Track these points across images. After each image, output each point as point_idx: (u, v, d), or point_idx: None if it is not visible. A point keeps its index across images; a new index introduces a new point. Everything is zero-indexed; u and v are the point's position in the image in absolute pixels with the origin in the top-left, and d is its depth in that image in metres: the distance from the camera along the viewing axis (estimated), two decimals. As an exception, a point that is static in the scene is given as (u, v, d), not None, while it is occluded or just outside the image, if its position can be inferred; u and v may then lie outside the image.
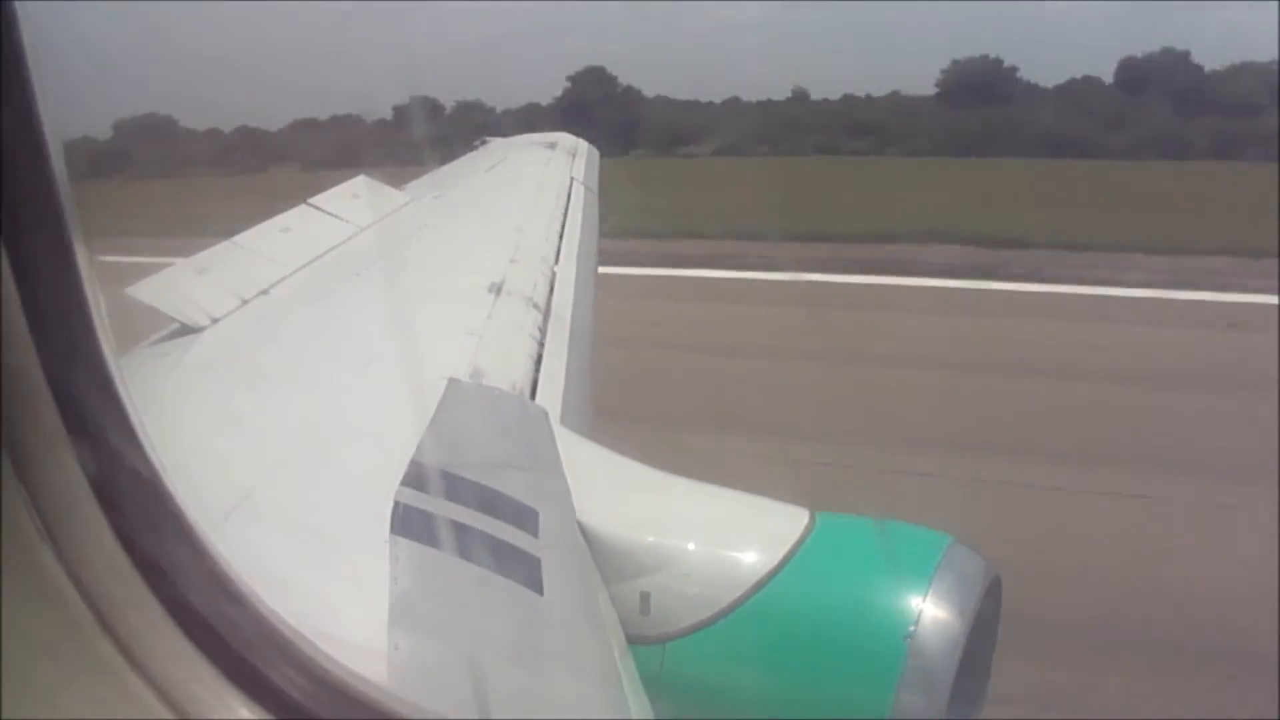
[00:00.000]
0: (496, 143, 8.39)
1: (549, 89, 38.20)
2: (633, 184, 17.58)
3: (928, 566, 1.95)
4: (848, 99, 36.45)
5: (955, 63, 36.10)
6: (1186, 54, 34.12)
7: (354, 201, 4.32)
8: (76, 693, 0.90)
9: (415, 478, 1.84)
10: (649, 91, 38.10)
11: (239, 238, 3.51)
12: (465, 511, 1.81)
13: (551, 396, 2.83)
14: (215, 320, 2.82)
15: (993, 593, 2.01)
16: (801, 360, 10.13)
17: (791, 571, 1.98)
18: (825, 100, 36.75)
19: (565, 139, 8.27)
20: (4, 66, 0.82)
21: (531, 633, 1.65)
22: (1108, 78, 35.25)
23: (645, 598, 2.00)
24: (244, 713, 0.98)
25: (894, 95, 36.18)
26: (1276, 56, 32.08)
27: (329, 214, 4.08)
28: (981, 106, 33.01)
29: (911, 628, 1.85)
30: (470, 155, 7.84)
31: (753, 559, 2.01)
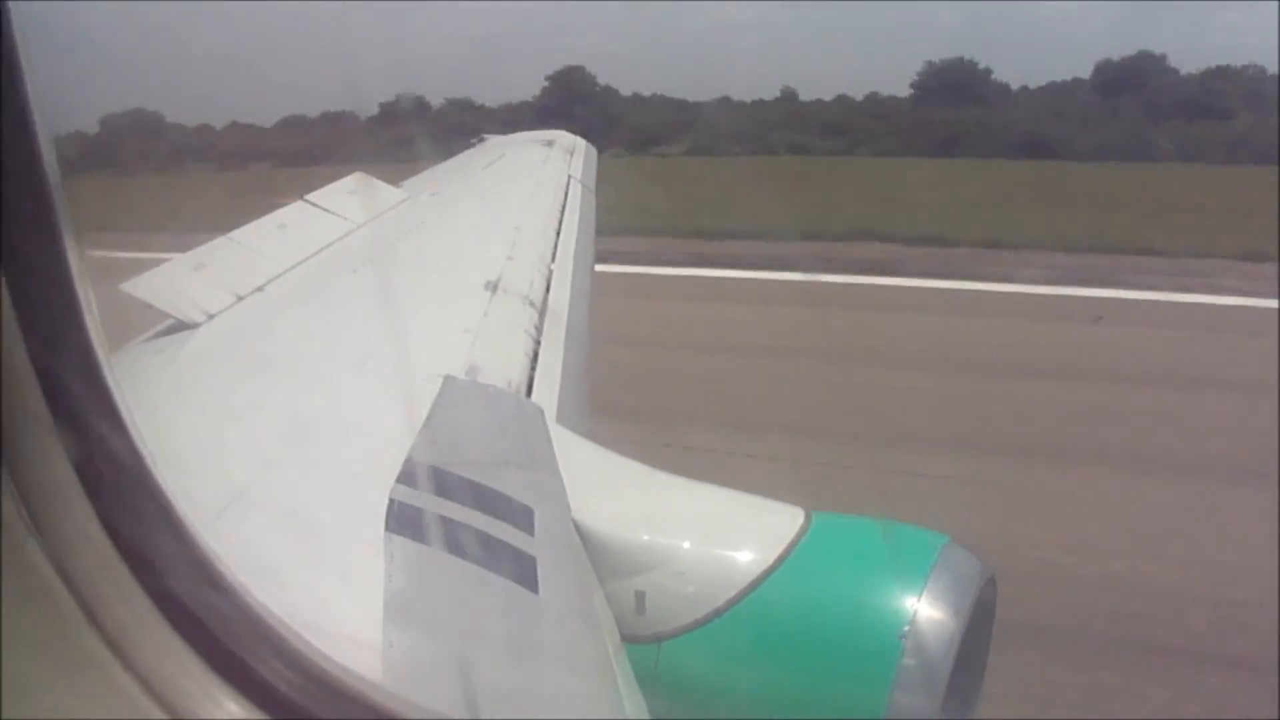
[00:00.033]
0: (494, 140, 8.40)
1: (532, 88, 38.43)
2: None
3: (923, 566, 1.95)
4: (841, 99, 36.71)
5: (929, 64, 36.78)
6: (1164, 57, 34.76)
7: (351, 198, 4.32)
8: (62, 687, 0.89)
9: (410, 475, 1.84)
10: (629, 90, 38.53)
11: (235, 233, 3.50)
12: (460, 509, 1.80)
13: (547, 394, 2.83)
14: (211, 316, 2.82)
15: (988, 592, 2.02)
16: (672, 350, 11.12)
17: (787, 571, 1.98)
18: (819, 100, 37.11)
19: (563, 137, 8.26)
20: None
21: (526, 631, 1.64)
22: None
23: (640, 596, 1.99)
24: (232, 707, 0.98)
25: (872, 96, 36.64)
26: (1251, 61, 32.68)
27: (326, 210, 4.07)
28: (953, 108, 33.53)
29: (906, 627, 1.85)
30: (468, 152, 7.84)
31: (748, 558, 2.01)
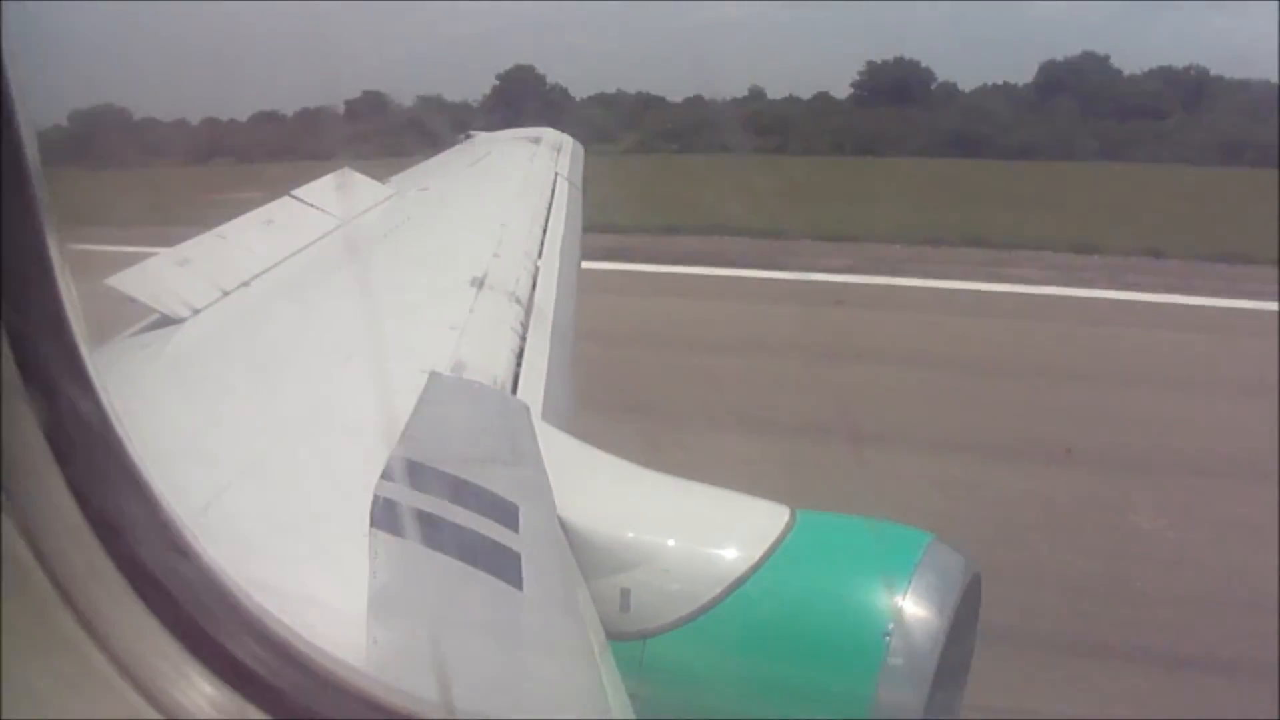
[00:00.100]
0: (481, 137, 8.37)
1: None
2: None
3: (908, 564, 1.95)
4: (790, 100, 36.78)
5: (870, 64, 36.91)
6: (1107, 58, 34.99)
7: (337, 194, 4.30)
8: (34, 665, 0.88)
9: (395, 471, 1.83)
10: (592, 90, 38.16)
11: (221, 228, 3.48)
12: (445, 505, 1.80)
13: (533, 391, 2.82)
14: (196, 311, 2.80)
15: (973, 591, 2.02)
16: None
17: (772, 568, 1.98)
18: (791, 97, 37.06)
19: (550, 134, 8.25)
20: None
21: (511, 628, 1.64)
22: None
23: (625, 594, 1.99)
24: (206, 687, 0.97)
25: (822, 95, 36.69)
26: (1192, 62, 33.15)
27: (312, 206, 4.06)
28: (890, 107, 33.64)
29: (891, 625, 1.86)
30: (455, 149, 7.82)
31: (733, 555, 2.01)
